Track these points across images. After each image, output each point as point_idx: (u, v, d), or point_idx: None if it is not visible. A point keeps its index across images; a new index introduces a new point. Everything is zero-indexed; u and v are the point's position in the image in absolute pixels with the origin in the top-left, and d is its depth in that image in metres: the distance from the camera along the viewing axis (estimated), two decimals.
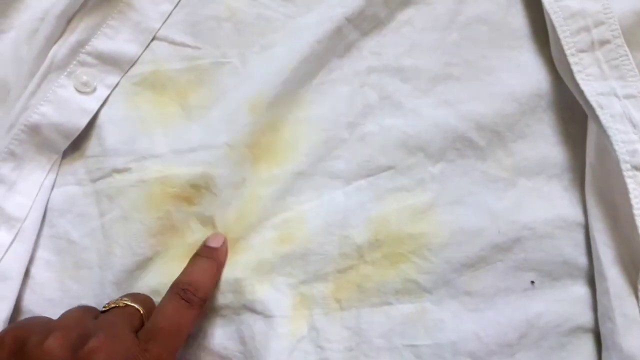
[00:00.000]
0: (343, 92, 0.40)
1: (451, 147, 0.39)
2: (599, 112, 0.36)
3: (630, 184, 0.34)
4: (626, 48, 0.37)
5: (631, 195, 0.34)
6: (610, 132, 0.35)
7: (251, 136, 0.39)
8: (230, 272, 0.37)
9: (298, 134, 0.39)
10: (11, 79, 0.40)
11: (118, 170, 0.39)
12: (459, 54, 0.40)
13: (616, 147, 0.34)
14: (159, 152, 0.39)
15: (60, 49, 0.39)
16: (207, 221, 0.38)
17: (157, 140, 0.39)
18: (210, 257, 0.36)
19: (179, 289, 0.34)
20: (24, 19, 0.42)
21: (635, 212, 0.34)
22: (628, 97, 0.36)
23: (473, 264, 0.37)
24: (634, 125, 0.35)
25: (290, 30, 0.41)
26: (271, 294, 0.37)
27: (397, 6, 0.41)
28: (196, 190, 0.38)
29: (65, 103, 0.39)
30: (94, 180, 0.39)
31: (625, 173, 0.34)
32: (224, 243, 0.37)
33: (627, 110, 0.35)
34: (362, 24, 0.40)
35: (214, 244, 0.37)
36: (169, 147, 0.39)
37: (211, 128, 0.39)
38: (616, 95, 0.36)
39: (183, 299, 0.34)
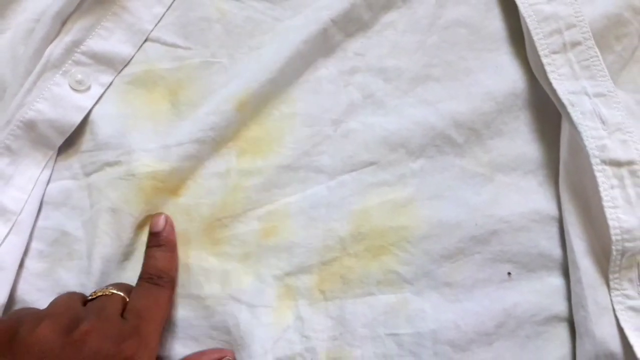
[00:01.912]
0: (328, 91, 0.42)
1: (431, 143, 0.40)
2: (570, 109, 0.37)
3: (600, 178, 0.36)
4: (596, 49, 0.38)
5: (601, 188, 0.35)
6: (581, 128, 0.37)
7: (237, 131, 0.40)
8: (218, 263, 0.38)
9: (283, 129, 0.41)
10: (8, 78, 0.42)
11: (109, 164, 0.40)
12: (439, 56, 0.42)
13: (586, 143, 0.36)
14: (149, 147, 0.40)
15: (55, 49, 0.40)
16: (192, 210, 0.39)
17: (147, 135, 0.40)
18: (158, 243, 0.38)
19: (145, 278, 0.36)
20: (20, 20, 0.43)
21: (605, 204, 0.35)
22: (598, 95, 0.38)
23: (452, 256, 0.38)
24: (603, 122, 0.37)
25: (278, 32, 0.42)
26: (256, 285, 0.38)
27: (381, 9, 0.42)
28: (182, 182, 0.40)
29: (60, 100, 0.40)
30: (87, 174, 0.40)
31: (595, 167, 0.36)
32: (166, 222, 0.38)
33: (597, 108, 0.37)
34: (347, 26, 0.42)
35: (156, 229, 0.38)
36: (158, 143, 0.40)
37: (199, 123, 0.40)
38: (587, 94, 0.38)
39: (152, 284, 0.36)
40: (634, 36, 0.41)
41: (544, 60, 0.39)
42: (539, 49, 0.39)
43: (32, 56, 0.40)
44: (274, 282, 0.38)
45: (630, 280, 0.36)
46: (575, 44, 0.39)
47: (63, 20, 0.41)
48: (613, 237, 0.35)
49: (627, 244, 0.35)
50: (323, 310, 0.38)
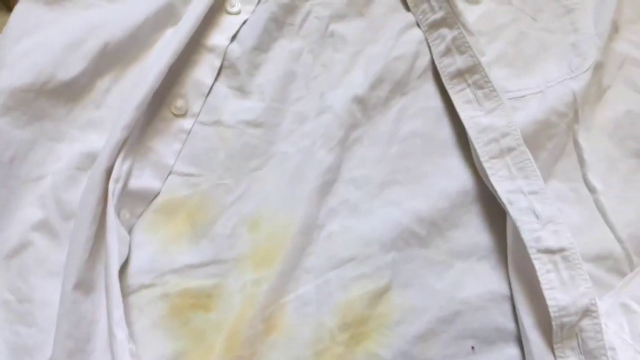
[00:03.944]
0: (316, 201, 0.49)
1: (399, 237, 0.48)
2: (509, 207, 0.45)
3: (537, 264, 0.43)
4: (528, 153, 0.46)
5: (538, 273, 0.43)
6: (519, 223, 0.44)
7: (251, 249, 0.48)
8: None
9: (286, 238, 0.48)
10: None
11: (145, 286, 0.47)
12: (400, 163, 0.50)
13: (523, 236, 0.44)
14: (176, 267, 0.47)
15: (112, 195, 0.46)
16: (220, 323, 0.46)
17: (173, 257, 0.48)
18: None
19: None
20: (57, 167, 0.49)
21: (543, 286, 0.42)
22: (532, 193, 0.45)
23: (423, 336, 0.45)
24: (537, 217, 0.44)
25: (272, 154, 0.51)
26: None
27: (349, 128, 0.51)
28: (210, 299, 0.47)
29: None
30: (125, 296, 0.47)
31: (532, 256, 0.43)
32: None
33: (532, 204, 0.45)
34: (327, 144, 0.50)
35: None
36: (184, 263, 0.47)
37: (219, 245, 0.48)
38: (522, 192, 0.45)
39: None
40: (562, 135, 0.49)
41: (485, 165, 0.47)
42: (480, 155, 0.47)
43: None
44: None
45: (572, 349, 0.42)
46: (510, 150, 0.47)
47: (109, 171, 0.47)
48: (552, 314, 0.42)
49: (564, 319, 0.42)
50: None
